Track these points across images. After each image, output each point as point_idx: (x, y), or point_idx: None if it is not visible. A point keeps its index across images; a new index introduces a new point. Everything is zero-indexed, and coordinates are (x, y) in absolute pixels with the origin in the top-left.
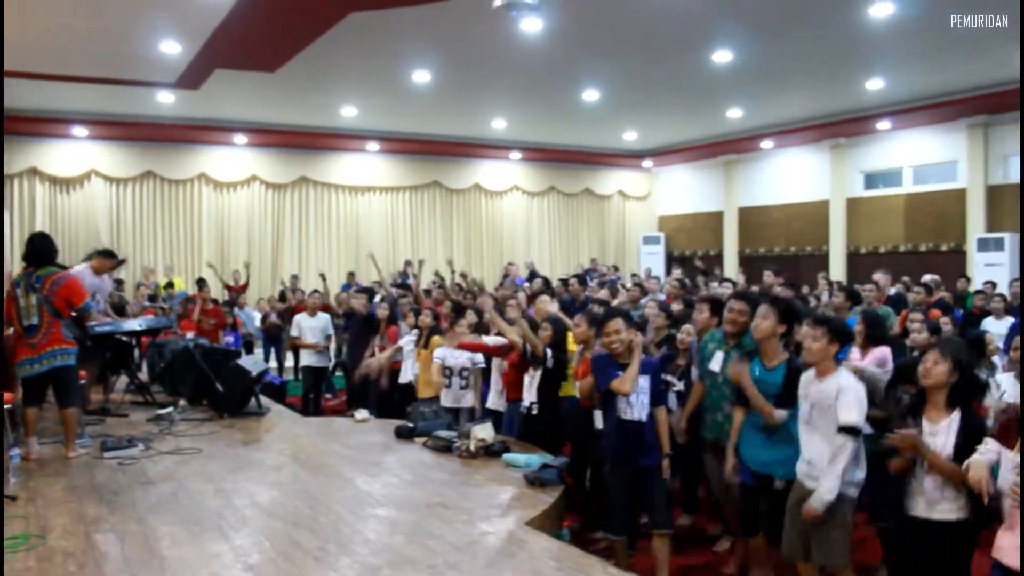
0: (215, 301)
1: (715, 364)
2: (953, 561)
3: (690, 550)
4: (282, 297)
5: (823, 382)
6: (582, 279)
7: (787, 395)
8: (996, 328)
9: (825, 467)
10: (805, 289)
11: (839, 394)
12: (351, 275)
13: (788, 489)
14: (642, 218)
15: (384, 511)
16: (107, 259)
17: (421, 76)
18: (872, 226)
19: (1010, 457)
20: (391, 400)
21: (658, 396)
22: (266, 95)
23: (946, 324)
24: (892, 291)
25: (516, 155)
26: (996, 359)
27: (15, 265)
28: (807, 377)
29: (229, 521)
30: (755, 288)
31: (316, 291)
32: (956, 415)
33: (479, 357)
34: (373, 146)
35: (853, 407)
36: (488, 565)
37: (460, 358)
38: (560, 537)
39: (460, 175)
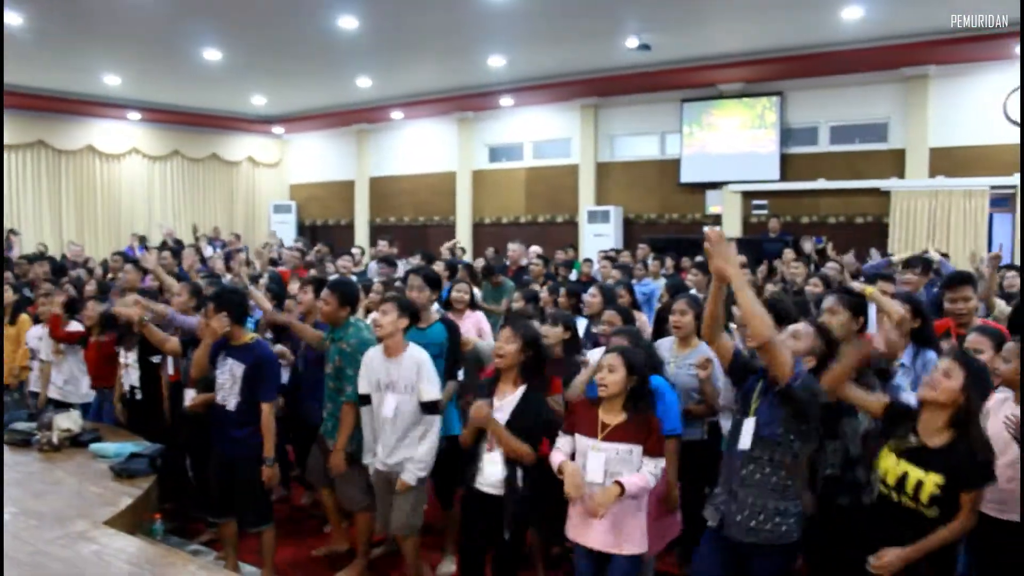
0: None
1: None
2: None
3: None
4: None
5: (397, 360)
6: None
7: (453, 350)
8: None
9: (415, 443)
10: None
11: (419, 370)
12: None
13: None
14: (273, 186)
15: None
16: None
17: (13, 18)
18: (495, 198)
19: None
20: None
21: (264, 389)
22: None
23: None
24: (524, 262)
25: (135, 115)
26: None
27: None
28: (375, 356)
29: None
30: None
31: None
32: (521, 389)
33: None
34: None
35: (433, 381)
36: None
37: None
38: (153, 532)
39: (69, 135)
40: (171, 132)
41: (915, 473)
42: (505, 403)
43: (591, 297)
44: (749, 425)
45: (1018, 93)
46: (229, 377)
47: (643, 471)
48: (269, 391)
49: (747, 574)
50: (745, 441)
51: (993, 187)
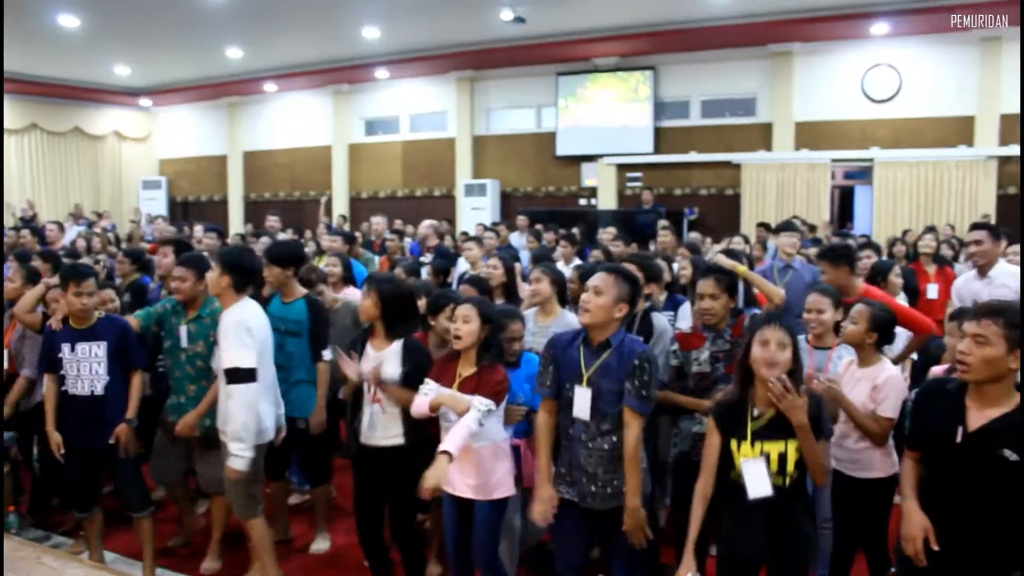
0: None
1: (183, 340)
2: (400, 484)
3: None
4: None
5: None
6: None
7: (316, 330)
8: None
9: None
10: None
11: (222, 330)
12: None
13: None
14: (141, 161)
15: None
16: None
17: None
18: (372, 171)
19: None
20: None
21: (136, 356)
22: None
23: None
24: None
25: None
26: None
27: None
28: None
29: None
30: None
31: None
32: (397, 344)
33: None
34: None
35: (233, 346)
36: None
37: None
38: (7, 525)
39: None
40: (28, 104)
41: (775, 447)
42: (384, 355)
43: None
44: (584, 395)
45: (875, 71)
46: (90, 362)
47: (465, 417)
48: (141, 356)
49: (607, 535)
50: (582, 411)
51: (835, 160)
